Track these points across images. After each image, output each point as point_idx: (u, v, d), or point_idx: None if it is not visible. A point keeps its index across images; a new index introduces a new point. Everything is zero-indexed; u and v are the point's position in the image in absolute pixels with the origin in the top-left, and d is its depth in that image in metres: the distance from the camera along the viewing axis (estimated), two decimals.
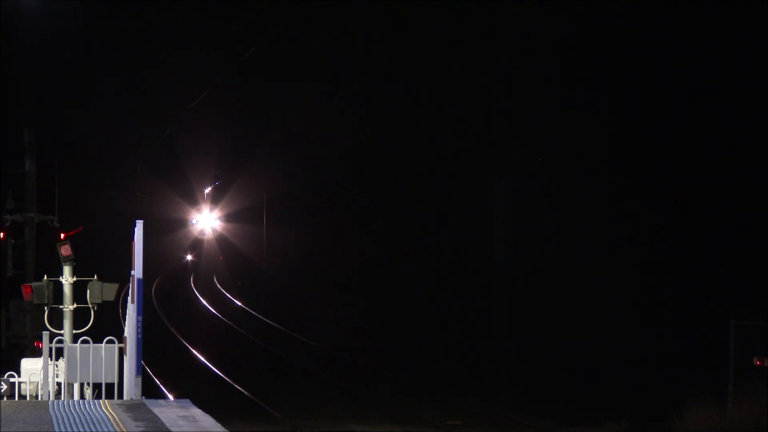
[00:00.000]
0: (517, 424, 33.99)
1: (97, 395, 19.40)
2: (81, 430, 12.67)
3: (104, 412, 13.82)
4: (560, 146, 53.33)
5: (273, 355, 50.11)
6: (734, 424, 29.86)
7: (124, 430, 12.66)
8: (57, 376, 19.51)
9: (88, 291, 21.57)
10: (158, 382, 40.16)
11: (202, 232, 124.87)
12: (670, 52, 47.62)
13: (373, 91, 70.93)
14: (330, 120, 77.52)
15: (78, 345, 18.09)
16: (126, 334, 16.85)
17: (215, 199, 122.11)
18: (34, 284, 21.77)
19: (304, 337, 55.13)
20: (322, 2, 66.30)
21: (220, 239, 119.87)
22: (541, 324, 49.97)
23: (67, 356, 18.13)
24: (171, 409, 14.10)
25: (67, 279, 21.64)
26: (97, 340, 18.19)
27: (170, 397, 35.95)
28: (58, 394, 19.65)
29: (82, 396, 19.92)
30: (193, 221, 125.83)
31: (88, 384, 19.32)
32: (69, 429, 12.69)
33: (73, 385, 19.23)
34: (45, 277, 21.75)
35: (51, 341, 19.02)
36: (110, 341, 18.06)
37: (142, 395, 15.36)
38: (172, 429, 12.64)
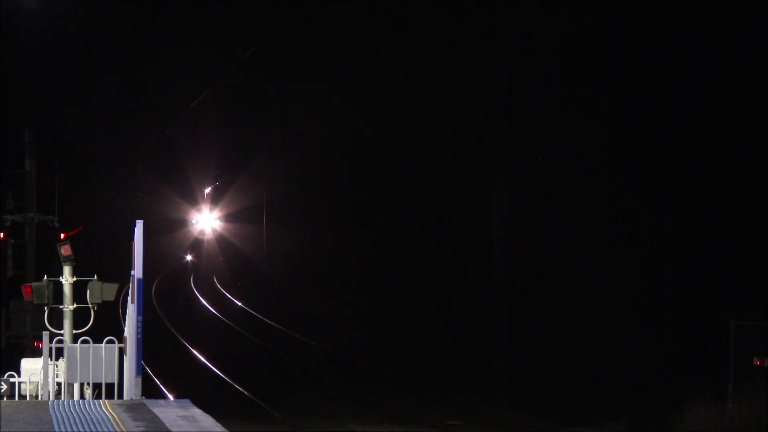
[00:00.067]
0: (517, 424, 34.00)
1: (97, 395, 19.40)
2: (81, 430, 12.67)
3: (104, 412, 13.82)
4: (560, 146, 53.31)
5: (273, 355, 50.11)
6: (734, 424, 29.86)
7: (124, 430, 12.66)
8: (57, 376, 19.51)
9: (88, 291, 21.57)
10: (158, 382, 40.16)
11: (202, 232, 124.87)
12: (670, 51, 47.62)
13: (373, 91, 70.93)
14: (330, 120, 77.52)
15: (78, 345, 18.08)
16: (126, 334, 16.85)
17: (215, 199, 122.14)
18: (34, 284, 21.77)
19: (304, 337, 55.14)
20: (322, 2, 66.28)
21: (220, 239, 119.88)
22: (541, 324, 49.97)
23: (67, 356, 18.13)
24: (171, 409, 14.10)
25: (67, 279, 21.64)
26: (97, 340, 18.19)
27: (170, 397, 35.95)
28: (58, 394, 19.65)
29: (82, 396, 19.93)
30: (193, 221, 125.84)
31: (88, 384, 19.32)
32: (69, 429, 12.69)
33: (73, 385, 19.23)
34: (45, 277, 21.75)
35: (51, 341, 19.02)
36: (110, 341, 18.06)
37: (142, 395, 15.36)
38: (172, 429, 12.64)
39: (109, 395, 17.40)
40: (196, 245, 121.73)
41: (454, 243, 63.23)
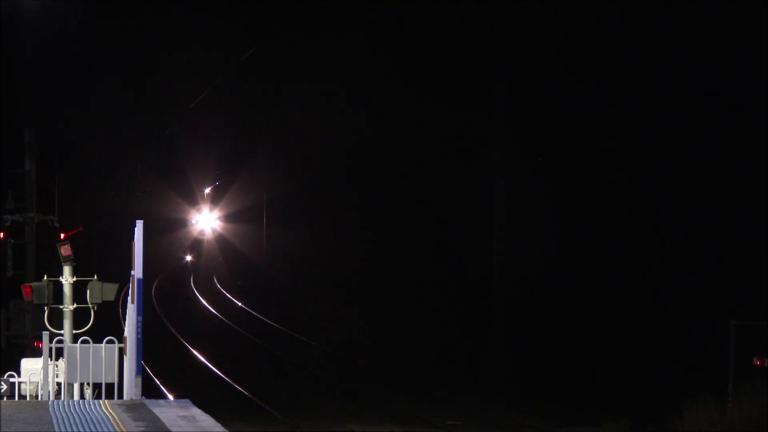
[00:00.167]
0: (517, 424, 34.01)
1: (97, 395, 19.40)
2: (81, 430, 12.67)
3: (104, 412, 13.81)
4: (560, 146, 53.32)
5: (273, 355, 50.11)
6: (734, 424, 29.86)
7: (124, 430, 12.66)
8: (57, 376, 19.50)
9: (88, 291, 21.57)
10: (158, 382, 40.16)
11: (201, 232, 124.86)
12: (670, 51, 47.62)
13: (373, 91, 70.95)
14: (330, 120, 77.53)
15: (78, 345, 18.08)
16: (126, 334, 16.85)
17: (215, 199, 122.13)
18: (34, 284, 21.77)
19: (304, 337, 55.14)
20: (322, 2, 66.31)
21: (220, 239, 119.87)
22: (541, 324, 49.97)
23: (67, 356, 18.12)
24: (171, 409, 14.10)
25: (67, 279, 21.64)
26: (97, 340, 18.18)
27: (170, 397, 35.95)
28: (58, 394, 19.64)
29: (82, 396, 19.92)
30: (193, 221, 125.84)
31: (88, 384, 19.32)
32: (69, 429, 12.69)
33: (73, 385, 19.22)
34: (45, 277, 21.75)
35: (51, 341, 19.01)
36: (110, 341, 18.06)
37: (142, 395, 15.35)
38: (172, 429, 12.64)
39: (109, 395, 17.40)
40: (196, 245, 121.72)
41: (454, 243, 63.24)
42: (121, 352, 17.76)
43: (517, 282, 49.13)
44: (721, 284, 43.71)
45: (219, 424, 12.93)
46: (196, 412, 13.88)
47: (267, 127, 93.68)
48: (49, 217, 36.71)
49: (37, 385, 20.13)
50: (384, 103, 70.23)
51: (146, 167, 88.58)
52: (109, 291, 21.63)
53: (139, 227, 15.26)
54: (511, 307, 47.19)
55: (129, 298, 16.44)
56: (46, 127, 45.69)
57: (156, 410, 13.99)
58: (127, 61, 76.96)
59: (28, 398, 20.18)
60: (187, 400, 14.91)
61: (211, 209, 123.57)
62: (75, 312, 21.73)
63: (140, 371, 15.46)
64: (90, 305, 21.50)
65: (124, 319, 18.13)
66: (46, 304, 21.63)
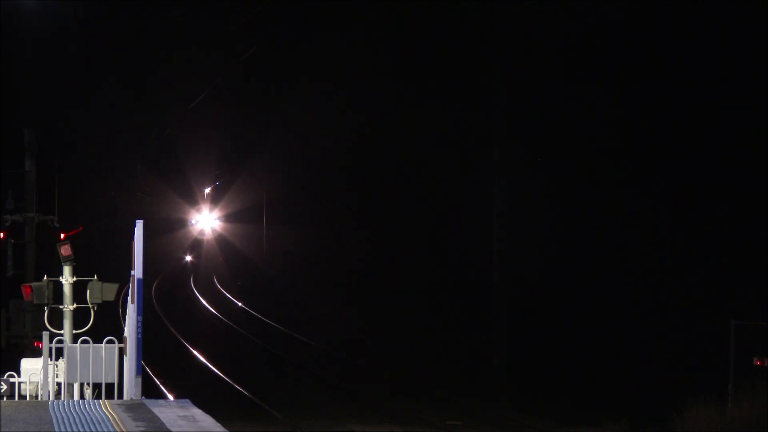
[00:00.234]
0: (517, 424, 34.01)
1: (97, 395, 19.39)
2: (81, 430, 12.67)
3: (104, 412, 13.81)
4: (560, 146, 53.32)
5: (273, 355, 50.11)
6: (734, 424, 29.86)
7: (124, 430, 12.66)
8: (57, 376, 19.50)
9: (88, 291, 21.57)
10: (158, 382, 40.16)
11: (201, 233, 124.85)
12: (670, 51, 47.62)
13: (373, 91, 70.94)
14: (330, 120, 77.53)
15: (78, 345, 18.08)
16: (126, 334, 16.84)
17: (215, 199, 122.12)
18: (34, 284, 21.77)
19: (304, 337, 55.14)
20: (322, 2, 66.30)
21: (220, 239, 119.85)
22: (541, 324, 49.96)
23: (67, 356, 18.12)
24: (171, 409, 14.10)
25: (67, 279, 21.64)
26: (97, 340, 18.18)
27: (170, 397, 35.95)
28: (58, 394, 19.64)
29: (82, 396, 19.92)
30: (193, 221, 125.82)
31: (88, 384, 19.32)
32: (69, 429, 12.69)
33: (73, 385, 19.22)
34: (45, 277, 21.75)
35: (51, 341, 19.01)
36: (110, 341, 18.05)
37: (142, 395, 15.35)
38: (172, 429, 12.63)
39: (109, 395, 17.40)
40: (196, 245, 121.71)
41: (454, 243, 63.24)
42: (121, 352, 17.76)
43: (517, 282, 49.10)
44: (721, 284, 43.71)
45: (219, 424, 12.93)
46: (196, 412, 13.88)
47: (267, 127, 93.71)
48: (49, 217, 36.70)
49: (37, 385, 20.13)
50: (384, 103, 70.24)
51: (146, 167, 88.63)
52: (109, 291, 21.63)
53: (139, 227, 15.26)
54: (511, 307, 47.14)
55: (129, 298, 16.44)
56: (46, 127, 45.66)
57: (156, 410, 13.99)
58: (127, 61, 76.96)
59: (28, 398, 20.17)
60: (187, 400, 14.91)
61: (211, 209, 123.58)
62: (75, 312, 21.73)
63: (140, 371, 15.46)
64: (90, 305, 21.50)
65: (124, 319, 18.13)
66: (46, 304, 21.63)
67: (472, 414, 35.93)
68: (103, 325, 21.27)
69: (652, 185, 48.35)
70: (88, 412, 13.83)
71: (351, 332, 57.33)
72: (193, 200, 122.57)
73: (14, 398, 19.93)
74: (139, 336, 15.27)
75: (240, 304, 73.93)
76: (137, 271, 15.22)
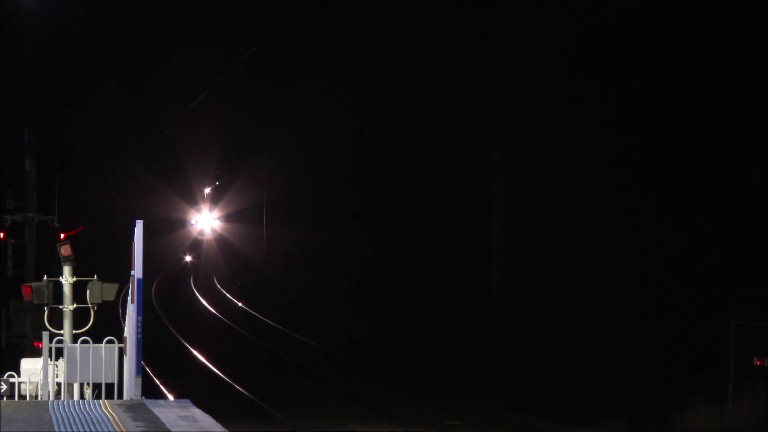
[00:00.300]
0: (517, 424, 34.01)
1: (97, 395, 19.39)
2: (81, 430, 12.67)
3: (104, 412, 13.81)
4: (560, 146, 53.32)
5: (273, 355, 50.11)
6: (734, 424, 29.86)
7: (124, 430, 12.65)
8: (57, 376, 19.50)
9: (88, 291, 21.56)
10: (158, 382, 40.16)
11: (201, 233, 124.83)
12: (670, 51, 47.61)
13: (373, 91, 70.94)
14: (330, 120, 77.53)
15: (78, 345, 18.07)
16: (126, 334, 16.84)
17: (215, 199, 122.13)
18: (34, 284, 21.77)
19: (304, 337, 55.13)
20: (322, 2, 66.30)
21: (220, 239, 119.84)
22: (541, 324, 49.96)
23: (67, 356, 18.11)
24: (171, 409, 14.10)
25: (67, 279, 21.63)
26: (97, 340, 18.17)
27: (170, 397, 35.95)
28: (58, 394, 19.64)
29: (82, 396, 19.92)
30: (193, 221, 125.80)
31: (88, 384, 19.31)
32: (69, 429, 12.69)
33: (73, 385, 19.22)
34: (45, 277, 21.75)
35: (51, 341, 19.00)
36: (110, 341, 18.05)
37: (142, 395, 15.35)
38: (172, 429, 12.63)
39: (109, 395, 17.39)
40: (196, 245, 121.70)
41: (454, 243, 63.24)
42: (121, 352, 17.76)
43: (517, 281, 49.13)
44: (721, 284, 43.70)
45: (219, 424, 12.93)
46: (196, 412, 13.88)
47: (267, 127, 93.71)
48: (49, 217, 36.69)
49: (37, 385, 20.13)
50: (384, 103, 70.24)
51: (146, 167, 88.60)
52: (109, 291, 21.63)
53: (139, 227, 15.25)
54: (511, 307, 47.18)
55: (129, 298, 16.44)
56: (46, 127, 45.66)
57: (156, 410, 13.99)
58: (127, 61, 76.96)
59: (28, 398, 20.17)
60: (187, 400, 14.91)
61: (210, 209, 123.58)
62: (75, 312, 21.73)
63: (140, 371, 15.45)
64: (90, 305, 21.49)
65: (124, 319, 18.12)
66: (46, 304, 21.62)
67: (472, 414, 35.93)
68: (103, 325, 21.26)
69: (652, 185, 48.35)
70: (88, 412, 13.83)
71: (351, 332, 57.33)
72: (193, 200, 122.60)
73: (14, 398, 19.92)
74: (139, 336, 15.27)
75: (240, 304, 73.93)
76: (137, 271, 15.22)
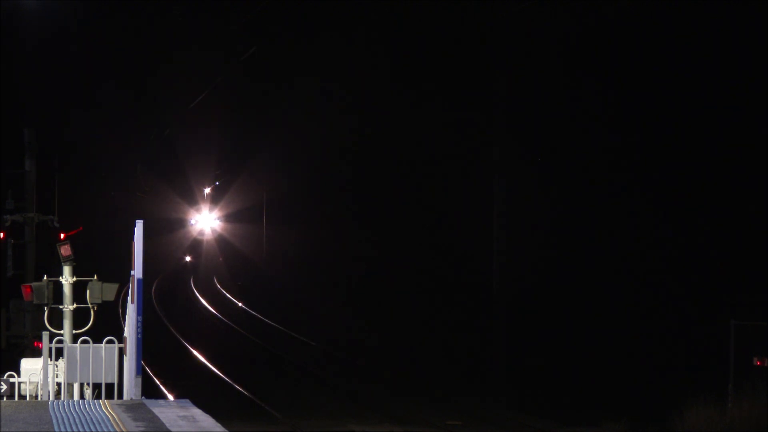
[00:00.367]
0: (517, 424, 34.01)
1: (97, 395, 19.39)
2: (81, 430, 12.67)
3: (104, 412, 13.81)
4: (560, 146, 53.32)
5: (273, 355, 50.11)
6: (734, 424, 29.86)
7: (124, 430, 12.65)
8: (57, 376, 19.49)
9: (88, 291, 21.56)
10: (158, 382, 40.15)
11: (201, 233, 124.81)
12: (670, 51, 47.61)
13: (373, 91, 70.93)
14: (330, 120, 77.53)
15: (78, 345, 18.07)
16: (126, 334, 16.84)
17: (215, 199, 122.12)
18: (34, 284, 21.77)
19: (304, 337, 55.13)
20: (322, 2, 66.30)
21: (220, 239, 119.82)
22: (541, 324, 49.96)
23: (67, 356, 18.11)
24: (171, 409, 14.10)
25: (67, 279, 21.63)
26: (97, 340, 18.17)
27: (170, 397, 35.95)
28: (58, 394, 19.63)
29: (82, 396, 19.92)
30: (193, 221, 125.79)
31: (88, 384, 19.31)
32: (69, 429, 12.69)
33: (73, 385, 19.22)
34: (45, 277, 21.75)
35: (51, 341, 19.00)
36: (110, 341, 18.05)
37: (142, 395, 15.35)
38: (172, 429, 12.63)
39: (109, 395, 17.39)
40: (196, 245, 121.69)
41: (454, 243, 63.24)
42: (121, 352, 17.75)
43: (517, 281, 49.13)
44: (721, 284, 43.70)
45: (219, 424, 12.93)
46: (196, 412, 13.87)
47: (267, 127, 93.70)
48: (49, 217, 36.68)
49: (37, 385, 20.13)
50: (384, 102, 70.23)
51: (146, 167, 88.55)
52: (109, 291, 21.63)
53: (139, 227, 15.25)
54: (511, 307, 47.17)
55: (129, 298, 16.44)
56: (46, 127, 45.67)
57: (156, 410, 13.98)
58: (128, 61, 76.97)
59: (28, 398, 20.17)
60: (187, 400, 14.91)
61: (210, 209, 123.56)
62: (75, 312, 21.73)
63: (140, 371, 15.45)
64: (90, 305, 21.50)
65: (124, 319, 18.12)
66: (46, 304, 21.62)
67: (472, 414, 35.93)
68: (103, 325, 21.26)
69: (652, 185, 48.34)
70: (88, 412, 13.82)
71: (351, 332, 57.32)
72: (192, 200, 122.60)
73: (14, 398, 19.92)
74: (139, 336, 15.27)
75: (240, 304, 73.92)
76: (137, 271, 15.22)
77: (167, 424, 12.88)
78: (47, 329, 20.50)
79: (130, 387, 15.60)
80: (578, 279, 50.33)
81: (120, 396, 17.06)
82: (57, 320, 21.71)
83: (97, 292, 21.52)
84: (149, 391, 26.77)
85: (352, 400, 38.52)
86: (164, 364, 44.56)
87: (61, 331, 21.39)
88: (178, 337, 55.61)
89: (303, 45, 71.79)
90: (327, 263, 79.84)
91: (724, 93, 45.35)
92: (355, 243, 76.43)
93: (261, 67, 75.79)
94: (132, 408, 14.24)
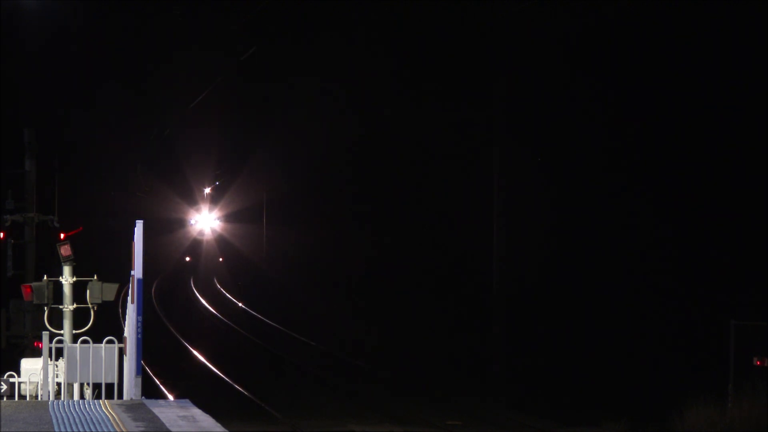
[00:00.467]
0: (517, 424, 34.01)
1: (97, 395, 19.39)
2: (81, 430, 12.66)
3: (104, 412, 13.81)
4: (560, 146, 53.31)
5: (273, 356, 50.11)
6: (734, 424, 29.86)
7: (124, 430, 12.65)
8: (57, 376, 19.49)
9: (88, 291, 21.56)
10: (158, 382, 40.15)
11: (201, 233, 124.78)
12: (671, 51, 47.60)
13: (373, 90, 70.93)
14: (330, 119, 77.52)
15: (78, 345, 18.07)
16: (126, 334, 16.84)
17: (215, 199, 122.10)
18: (34, 284, 21.77)
19: (304, 337, 55.13)
20: (322, 2, 66.27)
21: (220, 240, 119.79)
22: (541, 324, 49.95)
23: (67, 356, 18.11)
24: (171, 409, 14.10)
25: (67, 279, 21.63)
26: (97, 340, 18.17)
27: (170, 397, 35.94)
28: (58, 394, 19.63)
29: (82, 396, 19.91)
30: (192, 221, 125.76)
31: (88, 384, 19.31)
32: (69, 429, 12.68)
33: (73, 385, 19.22)
34: (45, 277, 21.75)
35: (51, 341, 19.00)
36: (110, 341, 18.04)
37: (142, 395, 15.35)
38: (172, 429, 12.63)
39: (109, 395, 17.39)
40: (196, 246, 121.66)
41: (455, 243, 63.22)
42: (121, 352, 17.75)
43: (518, 281, 49.13)
44: (721, 284, 43.69)
45: (219, 424, 12.93)
46: (196, 412, 13.87)
47: (267, 127, 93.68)
48: (49, 217, 36.68)
49: (37, 385, 20.12)
50: (384, 102, 70.22)
51: (146, 167, 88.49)
52: (109, 291, 21.63)
53: (139, 227, 15.25)
54: (511, 307, 47.18)
55: (129, 298, 16.44)
56: (46, 127, 45.64)
57: (156, 410, 13.98)
58: (128, 60, 76.96)
59: (28, 398, 20.17)
60: (187, 400, 14.91)
61: (210, 209, 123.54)
62: (75, 312, 21.72)
63: (140, 371, 15.45)
64: (90, 305, 21.49)
65: (124, 319, 18.12)
66: (46, 304, 21.62)
67: (472, 414, 35.93)
68: (103, 325, 21.26)
69: (652, 185, 48.34)
70: (88, 412, 13.82)
71: (351, 332, 57.32)
72: (192, 200, 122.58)
73: (14, 398, 19.92)
74: (139, 336, 15.27)
75: (240, 304, 73.91)
76: (137, 271, 15.22)
77: (167, 424, 12.88)
78: (47, 329, 20.50)
79: (130, 387, 15.60)
80: (578, 279, 50.33)
81: (120, 396, 17.05)
82: (57, 320, 21.71)
83: (97, 292, 21.52)
84: (149, 391, 26.77)
85: (352, 400, 38.52)
86: (164, 364, 44.57)
87: (61, 331, 21.39)
88: (178, 337, 55.61)
89: (303, 45, 71.78)
90: (327, 263, 79.84)
91: (725, 93, 45.35)
92: (355, 243, 76.42)
93: (261, 67, 75.76)
94: (132, 408, 14.23)
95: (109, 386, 17.86)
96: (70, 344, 18.78)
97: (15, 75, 52.78)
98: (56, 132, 57.20)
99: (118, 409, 14.07)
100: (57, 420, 13.24)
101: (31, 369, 20.43)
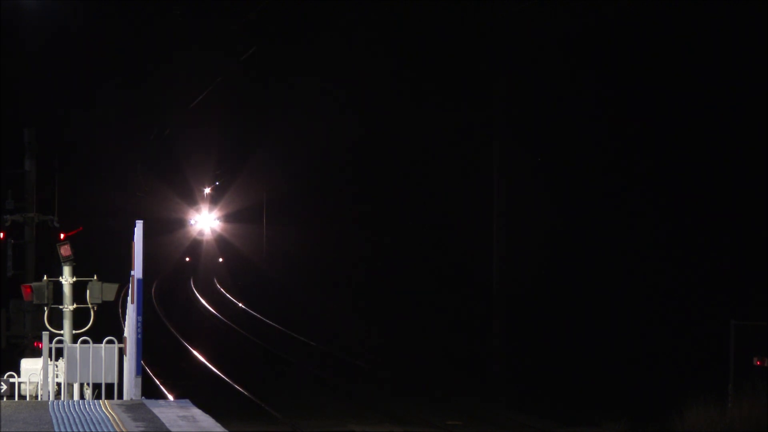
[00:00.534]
0: (517, 424, 34.00)
1: (96, 395, 19.39)
2: (81, 430, 12.66)
3: (104, 412, 13.81)
4: (560, 146, 53.30)
5: (273, 356, 50.10)
6: (734, 424, 29.85)
7: (124, 430, 12.65)
8: (57, 376, 19.49)
9: (88, 291, 21.56)
10: (158, 382, 40.15)
11: (201, 233, 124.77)
12: (671, 50, 47.60)
13: (373, 90, 70.93)
14: (330, 119, 77.52)
15: (78, 345, 18.07)
16: (126, 334, 16.84)
17: (215, 199, 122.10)
18: (34, 284, 21.78)
19: (304, 337, 55.13)
20: (322, 2, 66.26)
21: (220, 240, 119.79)
22: (541, 324, 49.94)
23: (66, 356, 18.11)
24: (171, 409, 14.10)
25: (67, 279, 21.63)
26: (97, 340, 18.17)
27: (170, 397, 35.94)
28: (57, 394, 19.63)
29: (81, 396, 19.91)
30: (192, 221, 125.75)
31: (88, 384, 19.31)
32: (69, 429, 12.68)
33: (72, 385, 19.21)
34: (45, 277, 21.75)
35: (51, 341, 19.00)
36: (110, 341, 18.04)
37: (142, 395, 15.35)
38: (172, 429, 12.63)
39: (109, 395, 17.39)
40: (195, 246, 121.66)
41: (455, 243, 63.22)
42: (121, 352, 17.75)
43: (518, 281, 49.13)
44: (721, 284, 43.69)
45: (219, 424, 12.93)
46: (196, 412, 13.87)
47: (267, 127, 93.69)
48: (49, 217, 36.67)
49: (37, 385, 20.12)
50: (384, 102, 70.23)
51: (146, 167, 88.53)
52: (109, 291, 21.63)
53: (139, 227, 15.25)
54: (511, 307, 47.17)
55: (129, 298, 16.43)
56: (46, 127, 45.64)
57: (156, 410, 13.98)
58: (128, 60, 76.99)
59: (28, 398, 20.17)
60: (187, 400, 14.91)
61: (210, 209, 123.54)
62: (75, 312, 21.72)
63: (140, 371, 15.45)
64: (90, 305, 21.50)
65: (124, 319, 18.12)
66: (46, 304, 21.63)
67: (472, 414, 35.92)
68: (103, 325, 21.26)
69: (652, 185, 48.33)
70: (88, 412, 13.82)
71: (351, 332, 57.32)
72: (192, 200, 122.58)
73: (14, 398, 19.92)
74: (139, 336, 15.27)
75: (240, 304, 73.91)
76: (137, 271, 15.22)
77: (167, 424, 12.88)
78: (47, 329, 20.50)
79: (130, 387, 15.60)
80: (578, 279, 50.32)
81: (120, 396, 17.05)
82: (57, 320, 21.71)
83: (97, 292, 21.52)
84: (149, 391, 26.77)
85: (352, 400, 38.52)
86: (164, 364, 44.57)
87: (61, 331, 21.39)
88: (178, 337, 55.61)
89: (303, 45, 71.77)
90: (327, 263, 79.84)
91: (725, 93, 45.34)
92: (355, 243, 76.42)
93: (261, 67, 75.77)
94: (132, 408, 14.23)
95: (109, 386, 17.86)
96: (70, 344, 18.78)
97: (15, 75, 52.79)
98: (56, 132, 57.22)
99: (118, 410, 14.07)
100: (57, 420, 13.24)
101: (31, 369, 20.44)
